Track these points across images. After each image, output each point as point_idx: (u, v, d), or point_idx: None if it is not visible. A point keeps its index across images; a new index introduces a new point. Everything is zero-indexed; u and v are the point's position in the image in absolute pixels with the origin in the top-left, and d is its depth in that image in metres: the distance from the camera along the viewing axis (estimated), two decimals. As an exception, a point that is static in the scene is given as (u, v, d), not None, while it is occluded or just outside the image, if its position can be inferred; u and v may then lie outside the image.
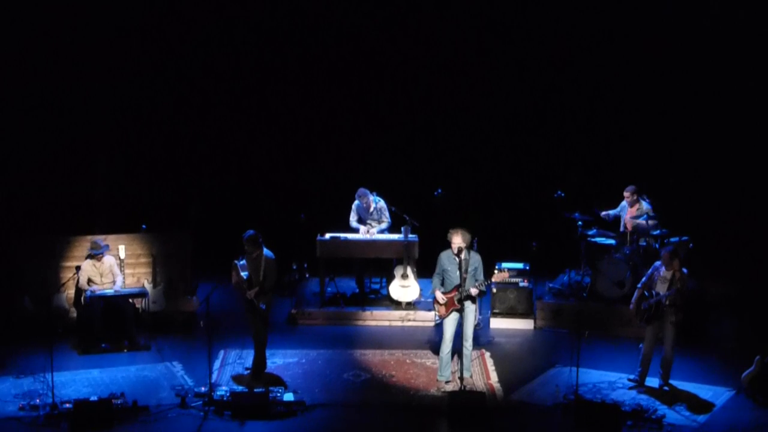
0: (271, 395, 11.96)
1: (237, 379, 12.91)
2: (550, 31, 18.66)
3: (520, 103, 19.01)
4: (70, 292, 14.65)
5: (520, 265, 15.48)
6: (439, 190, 16.26)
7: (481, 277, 12.57)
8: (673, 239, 15.16)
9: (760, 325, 14.68)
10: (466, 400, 11.85)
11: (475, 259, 12.57)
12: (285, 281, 16.20)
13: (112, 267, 14.25)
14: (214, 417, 11.73)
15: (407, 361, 13.74)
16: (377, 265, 16.38)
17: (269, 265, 12.66)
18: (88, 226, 16.04)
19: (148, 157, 19.17)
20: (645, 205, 15.43)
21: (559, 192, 15.99)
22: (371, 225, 15.81)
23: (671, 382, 12.52)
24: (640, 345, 12.66)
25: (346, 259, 16.11)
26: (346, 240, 15.61)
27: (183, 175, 19.31)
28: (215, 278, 14.24)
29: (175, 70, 18.92)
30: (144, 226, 15.72)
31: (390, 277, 15.68)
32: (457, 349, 12.70)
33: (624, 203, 15.72)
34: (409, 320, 15.39)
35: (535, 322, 15.27)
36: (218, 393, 12.08)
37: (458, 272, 12.42)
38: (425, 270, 15.86)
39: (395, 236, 15.63)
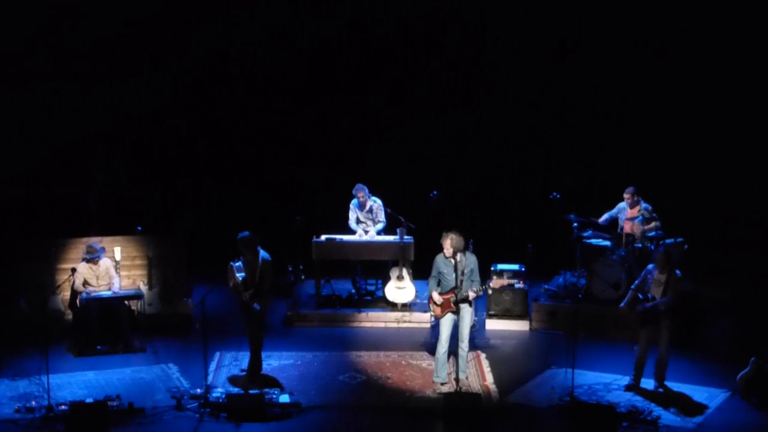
0: (266, 397, 11.97)
1: (233, 381, 12.91)
2: (546, 33, 18.67)
3: (516, 104, 19.02)
4: (66, 294, 14.66)
5: (515, 267, 15.52)
6: (435, 192, 16.26)
7: (477, 277, 12.60)
8: (668, 241, 15.19)
9: (756, 326, 14.71)
10: (461, 401, 11.83)
11: (471, 261, 12.60)
12: (280, 283, 16.19)
13: (109, 269, 14.26)
14: (210, 419, 11.73)
15: (403, 362, 13.76)
16: (373, 266, 16.39)
17: (266, 267, 12.66)
18: (83, 228, 16.03)
19: (143, 158, 19.16)
20: (644, 206, 15.46)
21: (554, 193, 16.00)
22: (366, 224, 15.84)
23: (666, 383, 12.53)
24: (635, 348, 12.68)
25: (341, 261, 16.13)
26: (342, 242, 15.63)
27: (178, 176, 19.30)
28: (211, 280, 14.27)
29: (170, 71, 18.91)
30: (139, 228, 15.72)
31: (385, 279, 15.70)
32: (453, 351, 12.72)
33: (622, 204, 15.73)
34: (405, 322, 15.41)
35: (530, 324, 15.29)
36: (214, 395, 12.08)
37: (454, 275, 12.46)
38: (421, 272, 15.88)
39: (391, 238, 15.66)
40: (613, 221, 15.88)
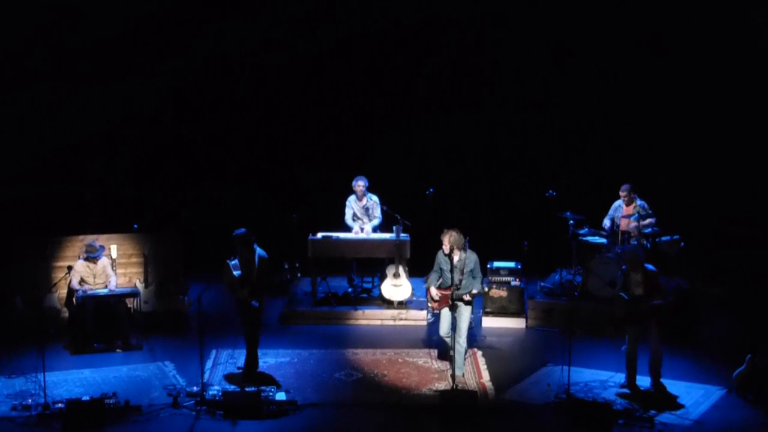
0: (263, 395, 11.99)
1: (229, 378, 12.92)
2: (543, 32, 18.67)
3: (512, 101, 19.00)
4: (62, 292, 14.65)
5: (511, 264, 15.51)
6: (431, 190, 16.27)
7: (479, 275, 12.68)
8: (664, 238, 15.23)
9: (752, 323, 14.73)
10: (457, 399, 11.87)
11: (471, 259, 12.65)
12: (277, 281, 16.21)
13: (106, 268, 14.26)
14: (206, 416, 11.75)
15: (399, 360, 13.77)
16: (369, 264, 16.40)
17: (263, 264, 12.67)
18: (79, 226, 16.02)
19: (139, 156, 19.14)
20: (639, 204, 15.48)
21: (550, 191, 16.02)
22: (363, 221, 15.85)
23: (662, 380, 12.53)
24: (623, 347, 12.64)
25: (337, 259, 16.14)
26: (338, 239, 15.63)
27: (174, 174, 19.28)
28: (207, 278, 14.27)
29: (166, 69, 18.88)
30: (135, 226, 15.72)
31: (382, 277, 15.71)
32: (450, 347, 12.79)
33: (617, 202, 15.75)
34: (401, 319, 15.42)
35: (526, 321, 15.30)
36: (210, 392, 12.11)
37: (451, 273, 12.52)
38: (417, 269, 15.93)
39: (387, 235, 15.66)
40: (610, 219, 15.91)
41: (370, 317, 15.50)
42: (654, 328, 12.29)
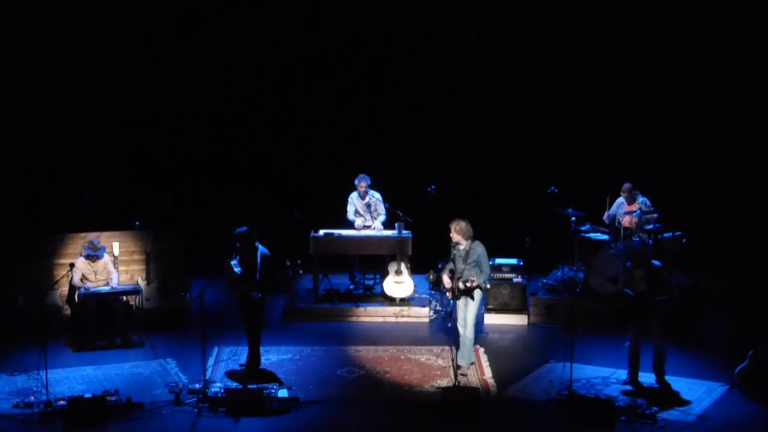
0: (265, 392, 12.01)
1: (231, 375, 12.93)
2: (544, 26, 18.65)
3: (514, 97, 18.99)
4: (64, 289, 14.65)
5: (513, 261, 15.50)
6: (433, 186, 16.26)
7: (485, 269, 12.78)
8: (666, 234, 15.21)
9: (754, 320, 14.72)
10: (459, 395, 11.86)
11: (477, 251, 12.74)
12: (279, 278, 16.21)
13: (107, 265, 14.26)
14: (209, 414, 11.75)
15: (401, 357, 13.76)
16: (371, 261, 16.39)
17: (265, 262, 12.68)
18: (81, 223, 16.03)
19: (141, 153, 19.13)
20: (641, 200, 15.47)
21: (552, 188, 16.01)
22: (365, 218, 15.84)
23: (665, 377, 12.52)
24: (626, 344, 12.64)
25: (339, 256, 16.14)
26: (340, 236, 15.62)
27: (176, 171, 19.28)
28: (209, 275, 14.26)
29: (165, 65, 18.88)
30: (137, 223, 15.71)
31: (384, 274, 15.70)
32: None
33: (620, 200, 15.74)
34: (403, 316, 15.41)
35: (528, 318, 15.28)
36: (212, 390, 12.12)
37: (455, 263, 12.71)
38: (419, 266, 15.93)
39: (389, 232, 15.65)
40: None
41: (372, 314, 15.49)
42: (657, 324, 12.29)
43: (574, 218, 15.75)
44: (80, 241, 14.52)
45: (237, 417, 11.63)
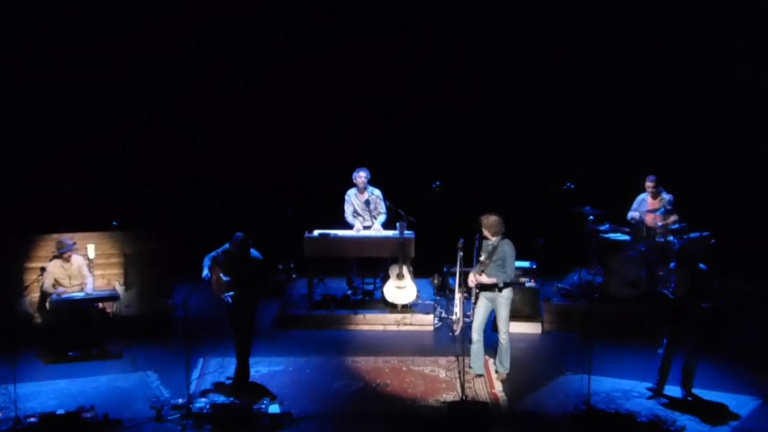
0: (255, 407, 11.97)
1: (218, 389, 12.88)
2: (559, 14, 18.64)
3: (525, 87, 18.99)
4: (35, 295, 14.62)
5: (526, 264, 15.46)
6: (437, 183, 16.23)
7: (510, 270, 12.99)
8: (693, 235, 15.14)
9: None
10: (467, 410, 11.85)
11: (504, 249, 13.02)
12: (270, 283, 16.20)
13: (81, 268, 14.23)
14: (193, 431, 11.71)
15: (403, 368, 13.74)
16: (370, 264, 16.37)
17: (258, 267, 12.66)
18: (54, 223, 15.98)
19: (119, 148, 19.11)
20: (666, 197, 15.44)
21: (568, 184, 15.99)
22: (364, 218, 15.80)
23: (693, 390, 12.49)
24: (660, 350, 12.62)
25: (336, 258, 16.10)
26: (337, 237, 15.59)
27: (157, 166, 19.25)
28: (193, 280, 14.22)
29: (151, 60, 18.89)
30: (115, 223, 15.67)
31: (384, 278, 15.66)
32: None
33: (641, 196, 15.71)
34: (406, 324, 15.39)
35: (542, 326, 15.28)
36: (197, 405, 12.08)
37: (481, 258, 13.06)
38: (422, 269, 15.90)
39: (390, 233, 15.61)
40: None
41: (371, 322, 15.47)
42: (693, 333, 12.25)
43: (591, 217, 15.73)
44: (53, 243, 14.46)
45: (224, 435, 11.61)
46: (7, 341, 12.79)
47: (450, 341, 14.60)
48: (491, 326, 13.43)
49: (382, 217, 15.87)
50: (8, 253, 14.76)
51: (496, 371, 13.24)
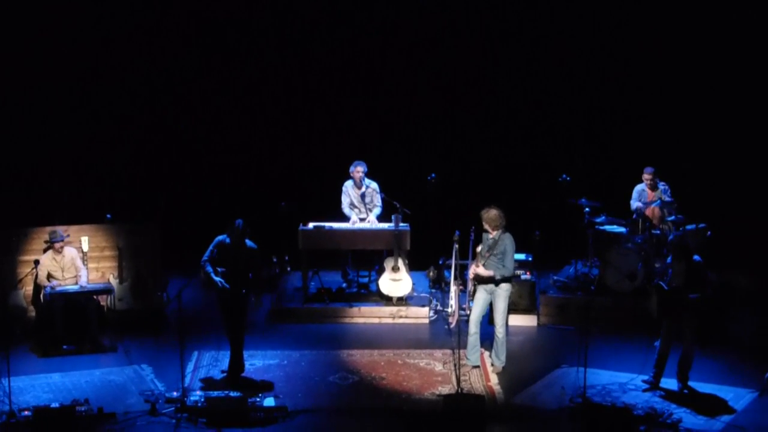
0: (250, 400, 11.96)
1: (212, 383, 12.89)
2: (552, 6, 18.63)
3: (521, 78, 18.99)
4: (28, 288, 14.62)
5: (522, 256, 15.48)
6: (433, 175, 16.23)
7: (509, 264, 12.97)
8: (689, 227, 15.18)
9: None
10: (462, 403, 11.84)
11: (504, 243, 13.02)
12: (265, 276, 16.18)
13: (74, 260, 14.22)
14: (188, 424, 11.71)
15: (399, 361, 13.75)
16: (365, 256, 16.37)
17: (253, 256, 12.68)
18: (47, 216, 15.98)
19: (112, 139, 19.10)
20: (661, 188, 15.47)
21: (564, 176, 15.99)
22: (360, 210, 15.80)
23: (689, 383, 12.52)
24: (656, 342, 12.66)
25: (331, 251, 16.10)
26: (332, 230, 15.59)
27: (151, 158, 19.25)
28: (188, 272, 14.25)
29: (145, 53, 18.88)
30: (109, 216, 15.68)
31: (379, 270, 15.67)
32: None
33: (639, 187, 15.72)
34: (401, 317, 15.39)
35: (538, 319, 15.29)
36: (192, 398, 12.08)
37: (482, 251, 13.08)
38: (418, 262, 15.90)
39: (385, 225, 15.62)
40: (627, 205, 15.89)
41: (366, 315, 15.48)
42: (689, 324, 12.28)
43: (587, 209, 15.73)
44: (46, 236, 14.46)
45: (218, 428, 11.59)
46: (1, 335, 12.75)
47: (446, 334, 14.63)
48: (486, 319, 13.43)
49: (377, 210, 15.86)
50: (1, 247, 14.74)
51: (492, 364, 13.26)
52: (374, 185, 15.88)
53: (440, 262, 16.25)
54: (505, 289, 13.07)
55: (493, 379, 13.02)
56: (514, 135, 19.15)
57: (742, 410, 12.07)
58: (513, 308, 15.18)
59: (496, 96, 19.11)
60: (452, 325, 14.46)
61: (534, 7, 18.71)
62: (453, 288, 14.51)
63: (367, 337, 14.80)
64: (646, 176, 15.60)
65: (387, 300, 15.55)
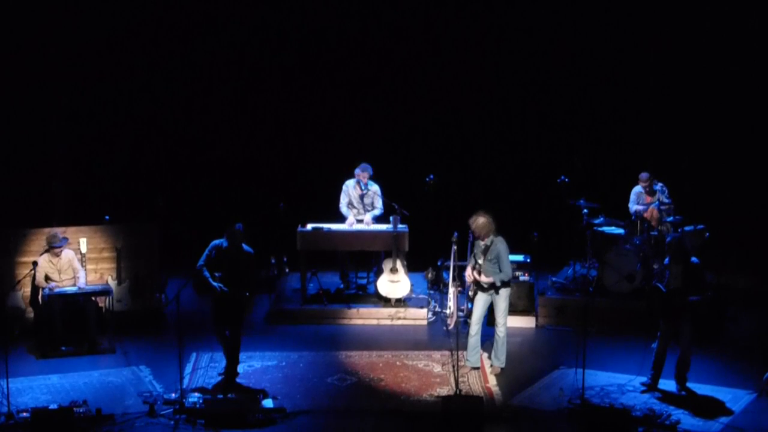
0: (248, 402, 11.96)
1: (211, 384, 12.90)
2: (551, 6, 18.64)
3: (519, 80, 19.00)
4: (27, 290, 14.60)
5: (520, 258, 15.48)
6: (431, 176, 16.24)
7: (506, 268, 12.97)
8: (687, 228, 15.20)
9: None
10: (461, 405, 11.84)
11: (497, 248, 13.00)
12: (263, 277, 16.19)
13: (72, 262, 14.21)
14: (186, 426, 11.70)
15: (397, 363, 13.76)
16: (364, 258, 16.39)
17: (249, 260, 12.69)
18: (46, 217, 16.00)
19: (111, 141, 19.10)
20: (657, 188, 15.48)
21: (562, 177, 16.00)
22: (359, 211, 15.81)
23: (687, 384, 12.53)
24: (653, 344, 12.68)
25: (329, 252, 16.11)
26: (330, 231, 15.60)
27: (149, 160, 19.25)
28: (186, 274, 14.23)
29: (144, 55, 18.88)
30: (107, 217, 15.68)
31: (378, 272, 15.68)
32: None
33: (637, 188, 15.72)
34: (399, 318, 15.41)
35: (536, 320, 15.31)
36: (190, 400, 12.06)
37: (476, 257, 13.09)
38: (416, 263, 15.91)
39: (384, 227, 15.63)
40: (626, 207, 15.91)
41: (365, 316, 15.49)
42: (687, 326, 12.29)
43: (586, 210, 15.74)
44: (44, 237, 14.46)
45: (217, 429, 11.59)
46: (-1, 336, 12.80)
47: (444, 335, 14.65)
48: (485, 320, 13.45)
49: (376, 212, 15.86)
50: (0, 248, 14.77)
51: (491, 365, 13.28)
52: (376, 187, 15.88)
53: (439, 264, 16.26)
54: (505, 289, 13.11)
55: (492, 381, 13.04)
56: (513, 136, 19.16)
57: (741, 411, 12.08)
58: (511, 309, 15.07)
59: (495, 97, 19.11)
60: (451, 327, 14.47)
61: (534, 7, 18.71)
62: (451, 289, 14.52)
63: (366, 338, 14.81)
64: (642, 183, 15.60)
65: (385, 301, 15.56)
